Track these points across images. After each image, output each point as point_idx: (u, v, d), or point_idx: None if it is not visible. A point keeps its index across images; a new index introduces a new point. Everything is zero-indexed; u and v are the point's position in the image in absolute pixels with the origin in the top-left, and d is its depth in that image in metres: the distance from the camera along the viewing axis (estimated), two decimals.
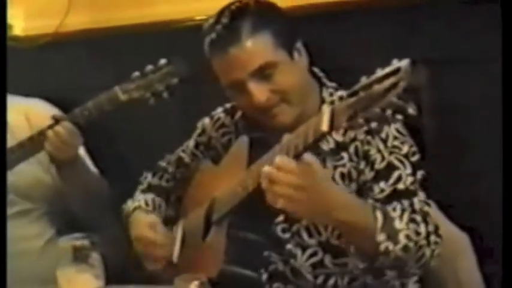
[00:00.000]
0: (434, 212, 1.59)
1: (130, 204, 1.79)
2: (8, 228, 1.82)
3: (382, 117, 1.15)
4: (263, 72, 1.48)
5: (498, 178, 1.26)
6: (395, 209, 1.40)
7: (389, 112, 1.14)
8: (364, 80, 1.19)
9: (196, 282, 1.42)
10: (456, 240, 1.64)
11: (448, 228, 1.63)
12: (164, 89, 1.73)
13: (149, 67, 1.73)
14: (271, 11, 1.56)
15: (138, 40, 2.21)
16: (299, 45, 1.54)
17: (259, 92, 1.48)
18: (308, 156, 1.30)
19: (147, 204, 1.76)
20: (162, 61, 1.72)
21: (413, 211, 1.42)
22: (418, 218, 1.41)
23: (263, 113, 1.52)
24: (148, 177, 1.85)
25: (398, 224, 1.37)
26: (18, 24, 2.37)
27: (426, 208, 1.45)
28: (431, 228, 1.41)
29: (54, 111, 2.01)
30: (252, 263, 1.52)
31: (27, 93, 2.10)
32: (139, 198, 1.79)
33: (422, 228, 1.39)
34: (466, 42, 1.87)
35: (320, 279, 1.52)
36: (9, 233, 1.82)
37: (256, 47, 1.48)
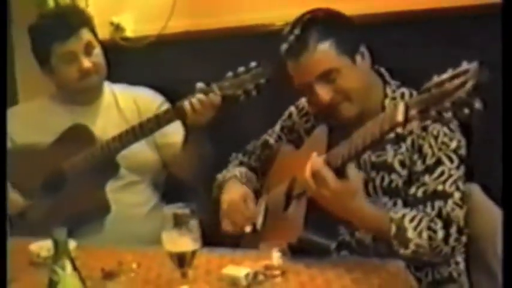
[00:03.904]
0: (477, 202, 1.71)
1: (225, 173, 1.93)
2: (118, 197, 2.10)
3: (451, 111, 1.25)
4: (328, 77, 1.64)
5: None
6: (413, 219, 1.54)
7: (457, 107, 1.23)
8: (435, 79, 1.29)
9: (278, 248, 1.54)
10: (496, 218, 1.73)
11: (489, 207, 1.76)
12: (253, 88, 1.83)
13: (241, 68, 1.84)
14: (337, 20, 1.69)
15: (230, 42, 2.33)
16: (362, 49, 1.70)
17: (324, 92, 1.66)
18: (351, 170, 1.50)
19: (241, 175, 1.91)
20: (253, 63, 1.84)
21: (440, 215, 1.55)
22: (439, 224, 1.55)
23: (329, 109, 1.68)
24: (239, 156, 2.01)
25: (410, 234, 1.53)
26: (129, 27, 2.52)
27: (457, 211, 1.57)
28: (453, 230, 1.56)
29: (158, 97, 2.20)
30: (324, 233, 1.65)
31: (135, 83, 2.27)
32: (235, 170, 1.93)
33: (439, 234, 1.54)
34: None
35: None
36: (120, 201, 2.10)
37: (322, 54, 1.63)
